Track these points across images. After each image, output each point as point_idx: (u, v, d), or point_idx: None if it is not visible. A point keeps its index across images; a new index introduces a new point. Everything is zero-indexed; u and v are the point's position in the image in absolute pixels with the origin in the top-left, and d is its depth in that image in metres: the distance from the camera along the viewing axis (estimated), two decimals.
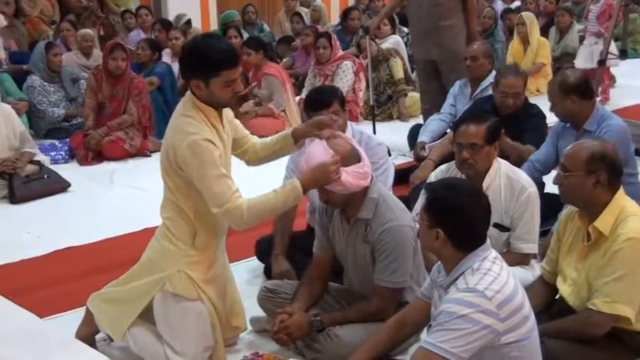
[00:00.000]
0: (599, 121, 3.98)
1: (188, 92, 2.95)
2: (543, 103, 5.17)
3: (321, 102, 3.55)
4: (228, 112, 3.09)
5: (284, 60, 8.84)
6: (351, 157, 2.93)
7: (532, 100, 5.20)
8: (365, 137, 3.78)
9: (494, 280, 2.35)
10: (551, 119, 4.58)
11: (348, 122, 3.71)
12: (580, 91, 3.99)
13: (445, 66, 5.98)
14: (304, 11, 10.58)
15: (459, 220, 2.42)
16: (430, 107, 6.12)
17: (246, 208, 2.85)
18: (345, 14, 9.27)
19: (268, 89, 7.04)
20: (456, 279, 2.42)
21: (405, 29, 8.56)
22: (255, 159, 3.24)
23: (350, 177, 2.90)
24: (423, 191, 2.69)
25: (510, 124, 4.17)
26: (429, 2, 5.87)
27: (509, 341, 2.34)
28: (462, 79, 5.68)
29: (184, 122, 2.88)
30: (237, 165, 3.25)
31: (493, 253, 2.46)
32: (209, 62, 2.85)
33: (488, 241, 2.47)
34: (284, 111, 7.04)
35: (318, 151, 2.92)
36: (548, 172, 4.20)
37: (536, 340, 2.45)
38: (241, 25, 9.71)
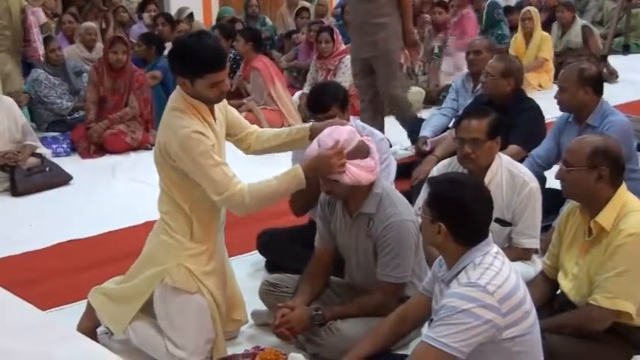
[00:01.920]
0: (602, 117, 3.97)
1: (178, 86, 2.93)
2: (545, 99, 5.17)
3: (320, 105, 3.50)
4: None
5: (287, 53, 8.82)
6: (358, 152, 2.93)
7: (533, 95, 5.18)
8: (367, 132, 3.76)
9: (496, 275, 2.34)
10: (551, 114, 4.56)
11: (351, 117, 3.70)
12: (595, 86, 3.99)
13: (378, 65, 5.73)
14: (307, 5, 10.57)
15: (462, 215, 2.41)
16: (366, 106, 5.94)
17: (247, 193, 2.84)
18: (342, 8, 9.26)
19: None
20: (458, 273, 2.42)
21: None
22: (257, 148, 3.21)
23: (357, 169, 2.90)
24: (425, 185, 2.68)
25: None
26: None
27: (510, 336, 2.34)
28: (394, 80, 5.58)
29: (174, 116, 2.88)
30: (236, 159, 3.25)
31: (495, 248, 2.46)
32: (193, 64, 2.82)
33: (490, 236, 2.47)
34: (277, 105, 7.01)
35: (326, 137, 2.92)
36: (550, 167, 4.19)
37: (537, 335, 2.45)
38: (244, 19, 9.71)
